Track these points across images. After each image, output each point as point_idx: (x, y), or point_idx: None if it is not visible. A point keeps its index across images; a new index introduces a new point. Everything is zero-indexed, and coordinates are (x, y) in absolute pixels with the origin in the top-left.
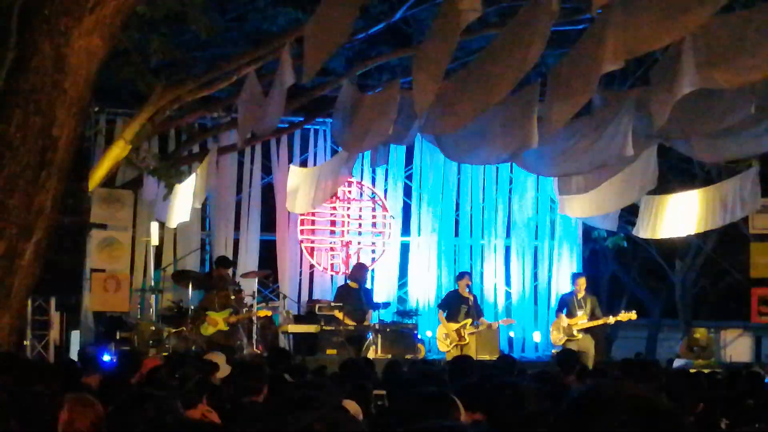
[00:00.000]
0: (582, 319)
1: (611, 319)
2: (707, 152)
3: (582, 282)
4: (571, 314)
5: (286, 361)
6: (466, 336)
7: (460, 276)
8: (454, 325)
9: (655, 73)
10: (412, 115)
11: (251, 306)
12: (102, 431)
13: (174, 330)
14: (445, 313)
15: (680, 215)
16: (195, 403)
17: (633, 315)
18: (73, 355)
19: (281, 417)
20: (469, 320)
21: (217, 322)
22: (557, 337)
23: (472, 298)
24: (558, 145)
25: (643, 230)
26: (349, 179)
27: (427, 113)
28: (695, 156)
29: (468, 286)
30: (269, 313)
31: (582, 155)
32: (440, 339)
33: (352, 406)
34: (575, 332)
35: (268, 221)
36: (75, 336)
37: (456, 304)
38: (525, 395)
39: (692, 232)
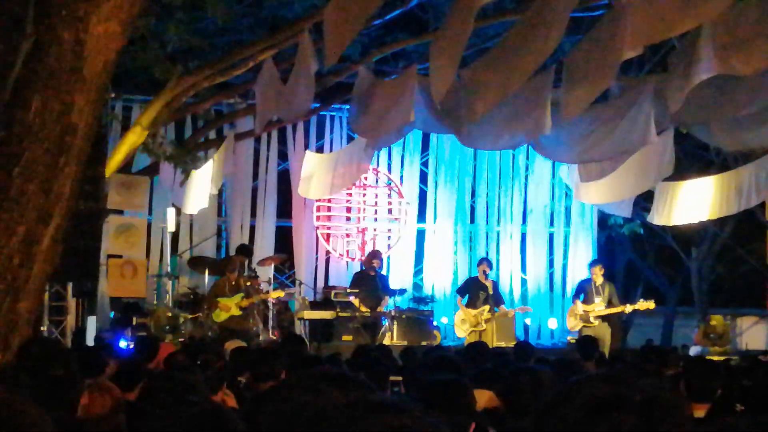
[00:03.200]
0: (599, 306)
1: (628, 308)
2: (726, 139)
3: (599, 269)
4: (588, 301)
5: (300, 347)
6: (482, 322)
7: (479, 262)
8: (472, 311)
9: (673, 59)
10: (429, 102)
11: (266, 291)
12: (119, 416)
13: (190, 316)
14: (464, 299)
15: (694, 202)
16: (216, 389)
17: (651, 304)
18: (90, 341)
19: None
20: (487, 306)
21: (229, 307)
22: (573, 324)
23: (490, 284)
24: (577, 131)
25: (658, 217)
26: (368, 167)
27: (450, 103)
28: (714, 143)
29: (485, 272)
30: (282, 294)
31: (602, 142)
32: (457, 324)
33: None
34: (592, 319)
35: (285, 207)
36: (91, 322)
37: (475, 290)
38: (542, 381)
39: (705, 219)
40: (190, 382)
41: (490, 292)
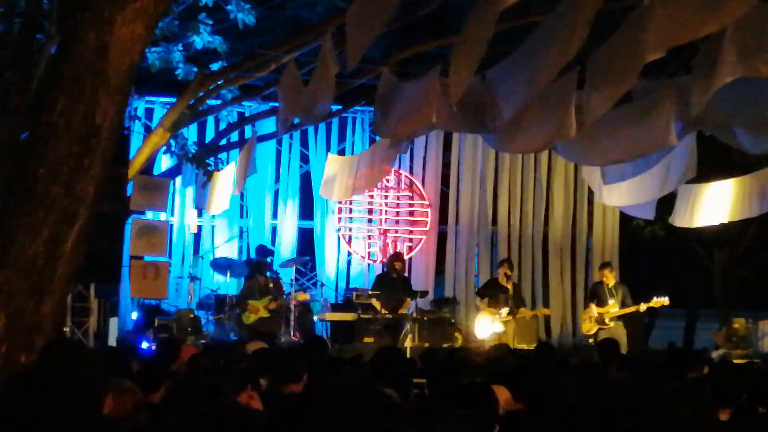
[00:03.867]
0: (613, 308)
1: (642, 306)
2: (749, 142)
3: (609, 271)
4: (602, 303)
5: (323, 349)
6: (504, 324)
7: (500, 263)
8: (493, 313)
9: (697, 61)
10: (451, 106)
11: (289, 293)
12: (142, 417)
13: (212, 317)
14: (485, 301)
15: (716, 204)
16: (240, 390)
17: (665, 301)
18: (112, 341)
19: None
20: (507, 309)
21: (258, 309)
22: (588, 327)
23: (511, 286)
24: (598, 133)
25: (680, 219)
26: (391, 169)
27: (474, 107)
28: (737, 145)
29: (506, 274)
30: (308, 297)
31: (623, 143)
32: (478, 326)
33: (390, 394)
34: (607, 320)
35: (306, 209)
36: (113, 323)
37: (496, 292)
38: (565, 386)
39: (726, 221)
40: (214, 383)
41: (511, 293)
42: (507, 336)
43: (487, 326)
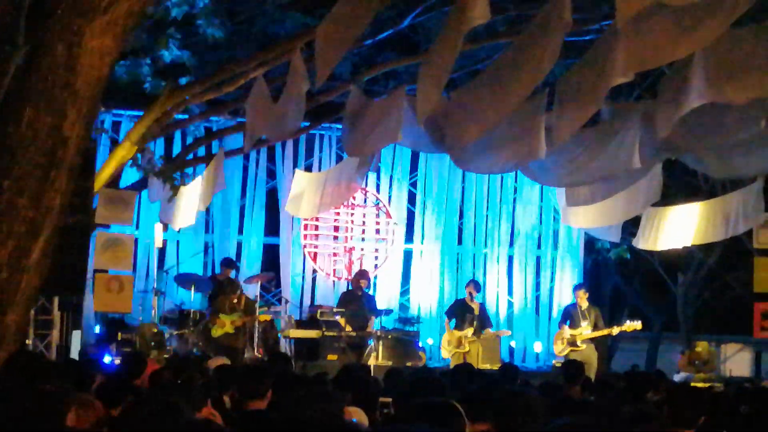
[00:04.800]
0: (586, 330)
1: (615, 330)
2: (714, 166)
3: (583, 293)
4: (574, 325)
5: (286, 366)
6: (466, 344)
7: (467, 284)
8: (458, 333)
9: (663, 85)
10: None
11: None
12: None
13: (176, 332)
14: (452, 322)
15: (680, 227)
16: (200, 406)
17: (638, 325)
18: (74, 355)
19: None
20: (472, 329)
21: (224, 324)
22: (560, 348)
23: (477, 306)
24: (564, 155)
25: (644, 242)
26: (359, 187)
27: (440, 126)
28: (702, 169)
29: (472, 294)
30: (269, 318)
31: (588, 166)
32: (443, 346)
33: (357, 413)
34: (579, 343)
35: (272, 225)
36: (76, 336)
37: (462, 313)
38: (535, 406)
39: (689, 244)
40: (174, 399)
41: (477, 314)
42: (471, 356)
43: (451, 346)
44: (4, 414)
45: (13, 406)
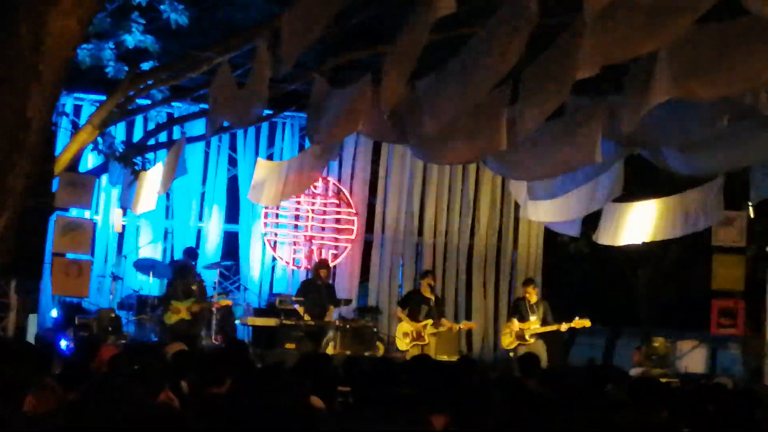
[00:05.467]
0: (534, 324)
1: (564, 326)
2: (678, 164)
3: (532, 288)
4: (523, 319)
5: (243, 353)
6: (426, 336)
7: (424, 275)
8: (415, 324)
9: (629, 80)
10: (382, 112)
11: (212, 297)
12: (63, 415)
13: (134, 318)
14: (406, 311)
15: (639, 223)
16: (158, 391)
17: (587, 322)
18: (30, 339)
19: (245, 409)
20: (430, 321)
21: (179, 310)
22: (509, 341)
23: (433, 298)
24: (526, 148)
25: (603, 236)
26: (320, 176)
27: (403, 116)
28: (664, 166)
29: (431, 285)
30: (230, 303)
31: (550, 159)
32: (399, 337)
33: (315, 401)
34: (527, 337)
35: (232, 212)
36: (32, 320)
37: (417, 303)
38: (492, 399)
39: (648, 240)
40: (131, 383)
41: (433, 305)
42: (429, 348)
43: (408, 338)
44: None
45: None
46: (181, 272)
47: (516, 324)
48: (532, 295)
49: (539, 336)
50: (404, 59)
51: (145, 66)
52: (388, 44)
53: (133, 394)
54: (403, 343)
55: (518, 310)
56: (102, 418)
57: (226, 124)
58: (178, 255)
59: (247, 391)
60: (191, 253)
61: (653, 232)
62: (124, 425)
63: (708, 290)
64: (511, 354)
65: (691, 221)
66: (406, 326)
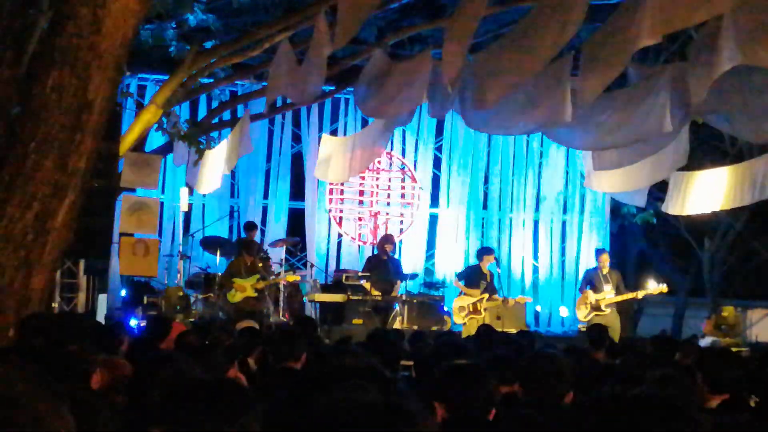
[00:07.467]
0: (609, 294)
1: (640, 294)
2: (744, 130)
3: (605, 257)
4: (597, 289)
5: (312, 330)
6: (481, 309)
7: (486, 252)
8: (472, 298)
9: (693, 48)
10: (443, 87)
11: (278, 273)
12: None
13: (201, 296)
14: (463, 283)
15: (708, 192)
16: (226, 368)
17: (664, 288)
18: (100, 318)
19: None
20: (486, 295)
21: (244, 288)
22: (584, 313)
23: (489, 274)
24: (592, 118)
25: (672, 206)
26: (384, 151)
27: (464, 87)
28: (732, 133)
29: (492, 262)
30: (298, 278)
31: (617, 129)
32: (455, 312)
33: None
34: (603, 307)
35: (297, 190)
36: (102, 300)
37: (476, 279)
38: (561, 368)
39: (718, 209)
40: (201, 361)
41: (489, 281)
42: (484, 321)
43: (464, 312)
44: (28, 372)
45: (38, 365)
46: (245, 249)
47: (591, 294)
48: (605, 265)
49: (614, 306)
50: (463, 32)
51: (208, 45)
52: (448, 18)
53: (186, 369)
54: (458, 317)
55: (592, 280)
56: (165, 394)
57: (289, 101)
58: (243, 229)
59: (326, 364)
60: (251, 226)
61: (723, 201)
62: (188, 401)
63: None
64: (581, 327)
65: (759, 188)
66: (461, 301)
